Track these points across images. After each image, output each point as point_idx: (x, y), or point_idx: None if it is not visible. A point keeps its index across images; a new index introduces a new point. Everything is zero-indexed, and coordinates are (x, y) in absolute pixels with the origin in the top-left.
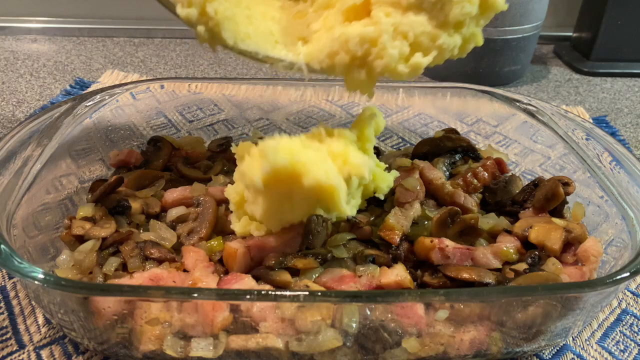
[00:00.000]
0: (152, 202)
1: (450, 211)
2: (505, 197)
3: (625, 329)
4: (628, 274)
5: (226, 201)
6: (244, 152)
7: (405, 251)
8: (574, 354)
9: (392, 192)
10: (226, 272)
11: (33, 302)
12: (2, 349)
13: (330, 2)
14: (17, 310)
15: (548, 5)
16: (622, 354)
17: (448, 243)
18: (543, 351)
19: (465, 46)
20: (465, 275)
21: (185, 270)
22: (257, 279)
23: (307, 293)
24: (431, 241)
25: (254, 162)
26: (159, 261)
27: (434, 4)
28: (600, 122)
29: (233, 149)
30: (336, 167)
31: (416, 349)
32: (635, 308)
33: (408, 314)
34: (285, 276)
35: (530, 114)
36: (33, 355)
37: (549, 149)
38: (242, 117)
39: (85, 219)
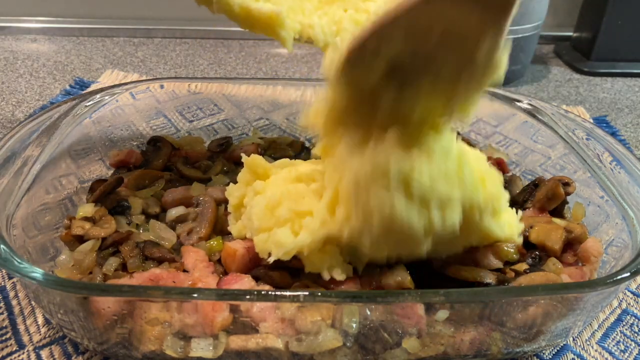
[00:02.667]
0: (152, 202)
1: None
2: None
3: (626, 329)
4: (628, 274)
5: (226, 201)
6: (256, 168)
7: None
8: (574, 354)
9: None
10: (226, 273)
11: (33, 302)
12: (2, 349)
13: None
14: (16, 310)
15: (548, 5)
16: (622, 354)
17: None
18: (543, 351)
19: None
20: (466, 275)
21: (185, 271)
22: (257, 279)
23: (307, 293)
24: None
25: (264, 221)
26: (159, 261)
27: None
28: (600, 122)
29: (244, 159)
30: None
31: (416, 349)
32: (636, 308)
33: (408, 314)
34: (285, 276)
35: (531, 114)
36: (33, 356)
37: (549, 149)
38: (242, 117)
39: (85, 219)
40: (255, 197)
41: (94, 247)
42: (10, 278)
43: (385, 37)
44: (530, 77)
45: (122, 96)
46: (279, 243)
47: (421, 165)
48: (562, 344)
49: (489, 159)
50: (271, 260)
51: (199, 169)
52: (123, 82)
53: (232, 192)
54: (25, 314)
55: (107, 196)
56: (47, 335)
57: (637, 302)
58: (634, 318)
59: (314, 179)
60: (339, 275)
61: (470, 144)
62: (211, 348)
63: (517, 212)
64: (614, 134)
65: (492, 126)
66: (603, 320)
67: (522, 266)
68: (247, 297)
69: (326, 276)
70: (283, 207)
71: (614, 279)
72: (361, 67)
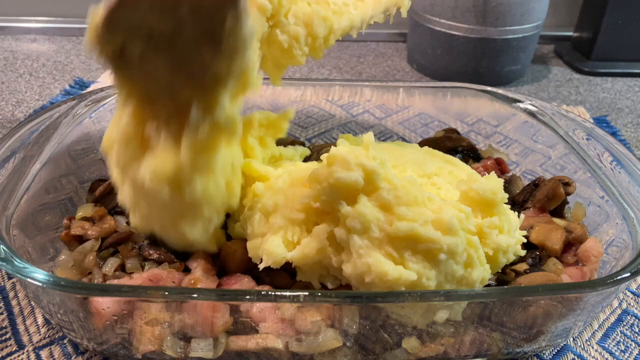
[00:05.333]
0: None
1: None
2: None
3: (626, 330)
4: (629, 274)
5: None
6: (250, 172)
7: None
8: (574, 355)
9: None
10: (226, 272)
11: (32, 302)
12: (2, 349)
13: None
14: (16, 310)
15: (548, 5)
16: (622, 354)
17: None
18: (543, 351)
19: None
20: None
21: (185, 270)
22: (257, 279)
23: (307, 293)
24: None
25: (259, 227)
26: (158, 262)
27: None
28: (600, 122)
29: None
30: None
31: (416, 349)
32: (636, 308)
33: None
34: (285, 277)
35: (531, 114)
36: (32, 356)
37: (549, 149)
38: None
39: (85, 219)
40: (253, 200)
41: (94, 247)
42: (10, 278)
43: (130, 5)
44: (530, 77)
45: None
46: (269, 252)
47: None
48: (562, 344)
49: (489, 158)
50: (261, 267)
51: None
52: None
53: None
54: (25, 314)
55: (107, 196)
56: (46, 336)
57: (637, 302)
58: (634, 318)
59: (312, 184)
60: (331, 285)
61: (470, 144)
62: (211, 348)
63: (518, 214)
64: (614, 134)
65: (492, 126)
66: (603, 321)
67: (522, 266)
68: (247, 297)
69: (317, 286)
70: (278, 214)
71: (614, 279)
72: (115, 36)
